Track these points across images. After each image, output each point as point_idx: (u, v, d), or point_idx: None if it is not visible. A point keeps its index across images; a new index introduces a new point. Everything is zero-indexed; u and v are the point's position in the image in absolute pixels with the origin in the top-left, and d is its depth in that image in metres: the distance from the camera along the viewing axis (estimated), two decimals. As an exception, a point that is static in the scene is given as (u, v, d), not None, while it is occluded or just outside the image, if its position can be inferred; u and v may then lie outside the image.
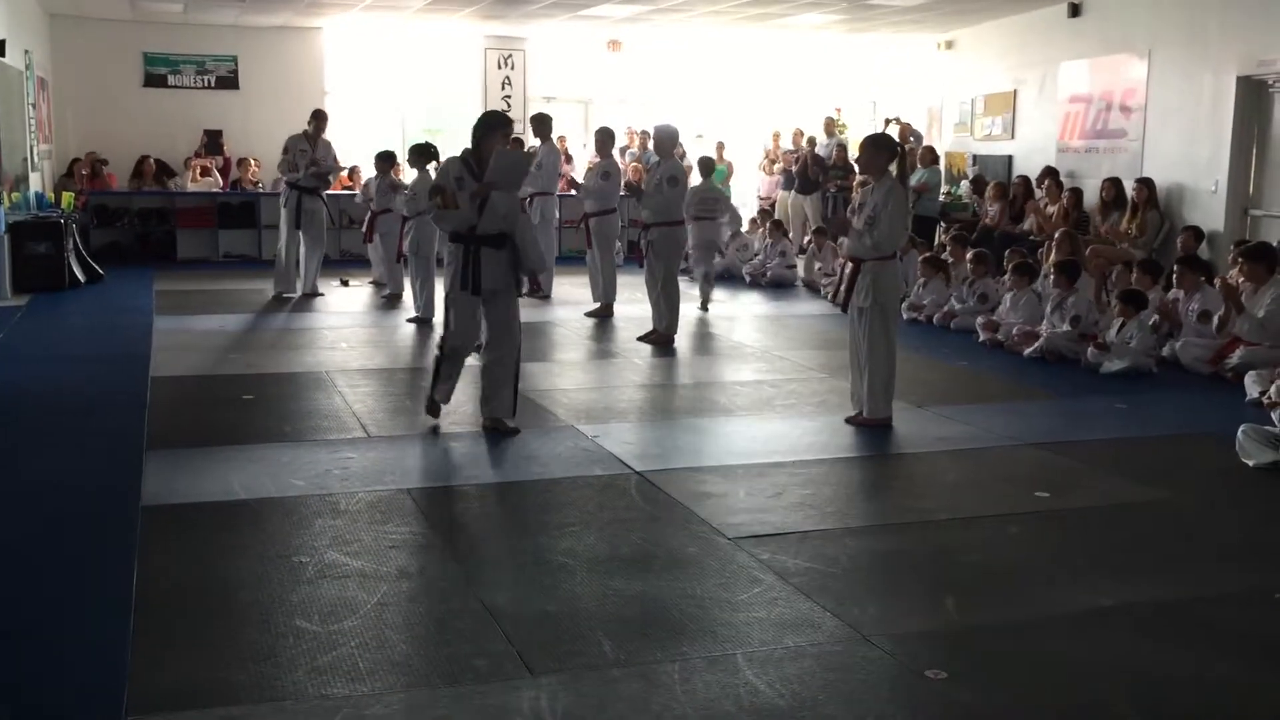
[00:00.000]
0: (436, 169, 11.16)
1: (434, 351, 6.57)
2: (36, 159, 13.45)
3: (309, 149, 11.39)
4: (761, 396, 7.52)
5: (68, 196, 13.28)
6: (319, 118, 11.64)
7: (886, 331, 6.63)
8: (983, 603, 4.18)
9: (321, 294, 11.67)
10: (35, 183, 13.11)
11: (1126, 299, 8.56)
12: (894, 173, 6.56)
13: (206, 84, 16.04)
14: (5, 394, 7.30)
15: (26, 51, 12.92)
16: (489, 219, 6.20)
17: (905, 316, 10.74)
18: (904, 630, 3.89)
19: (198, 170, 15.48)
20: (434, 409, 6.55)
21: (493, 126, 6.35)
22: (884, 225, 6.43)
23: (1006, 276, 10.11)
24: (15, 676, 3.47)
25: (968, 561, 4.59)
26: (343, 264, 14.01)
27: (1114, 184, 11.79)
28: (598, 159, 11.25)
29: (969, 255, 10.74)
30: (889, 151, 6.63)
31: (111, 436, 6.21)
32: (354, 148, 14.70)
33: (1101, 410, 7.32)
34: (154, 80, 15.84)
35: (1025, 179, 13.30)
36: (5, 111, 11.58)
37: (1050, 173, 12.84)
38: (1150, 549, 4.82)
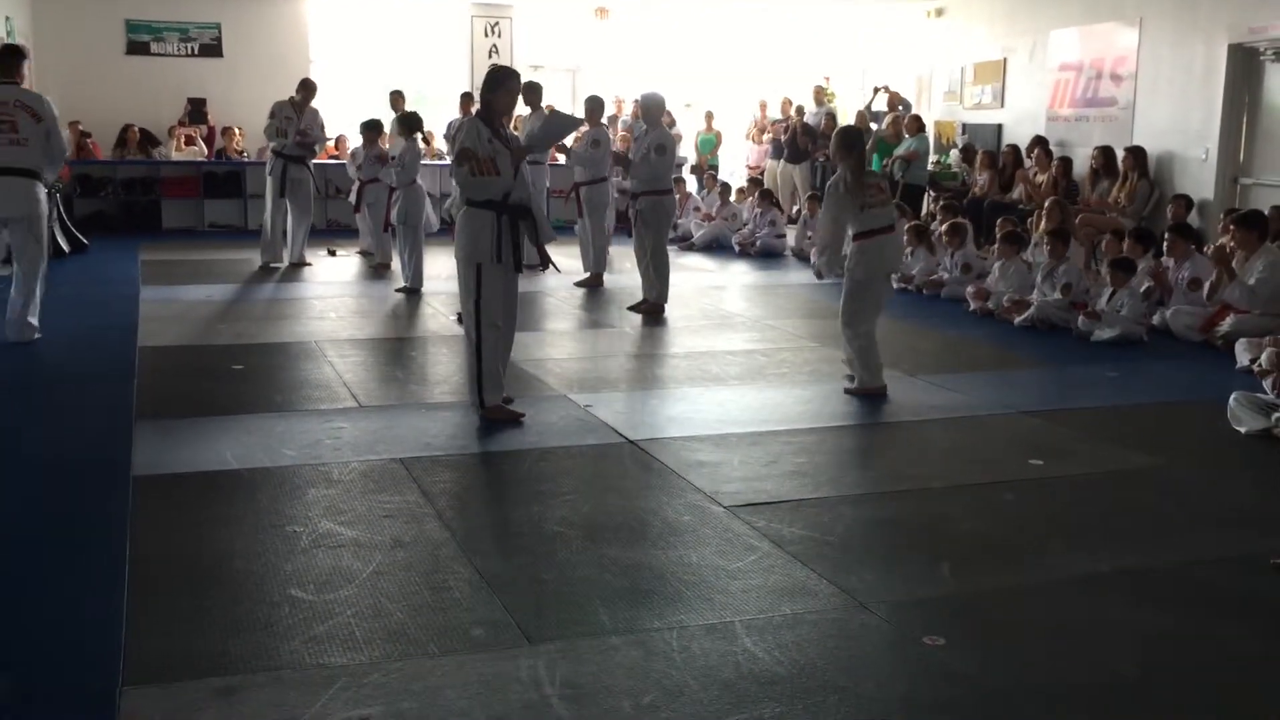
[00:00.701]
0: (425, 138, 11.13)
1: (470, 338, 5.90)
2: (18, 128, 13.26)
3: (294, 117, 11.28)
4: (753, 365, 7.50)
5: (51, 166, 13.12)
6: (306, 87, 11.52)
7: (847, 304, 6.64)
8: (979, 569, 4.18)
9: (309, 264, 11.59)
10: (17, 152, 12.93)
11: (1117, 267, 8.56)
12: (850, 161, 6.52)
13: (190, 51, 15.85)
14: (-9, 365, 7.23)
15: (7, 18, 12.75)
16: (520, 186, 5.83)
17: (895, 286, 10.74)
18: (901, 597, 3.89)
19: (182, 139, 15.33)
20: (506, 412, 5.96)
21: (500, 81, 5.88)
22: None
23: (995, 245, 10.11)
24: (11, 648, 3.45)
25: (963, 529, 4.59)
26: (330, 234, 13.91)
27: (1104, 152, 11.76)
28: (587, 127, 11.17)
29: (943, 226, 10.71)
30: (847, 144, 6.66)
31: (101, 407, 6.16)
32: (340, 117, 14.54)
33: (1093, 378, 7.33)
34: (136, 48, 15.64)
35: (1015, 148, 13.27)
36: (-14, 79, 11.40)
37: (1040, 141, 12.81)
38: (1145, 515, 4.83)
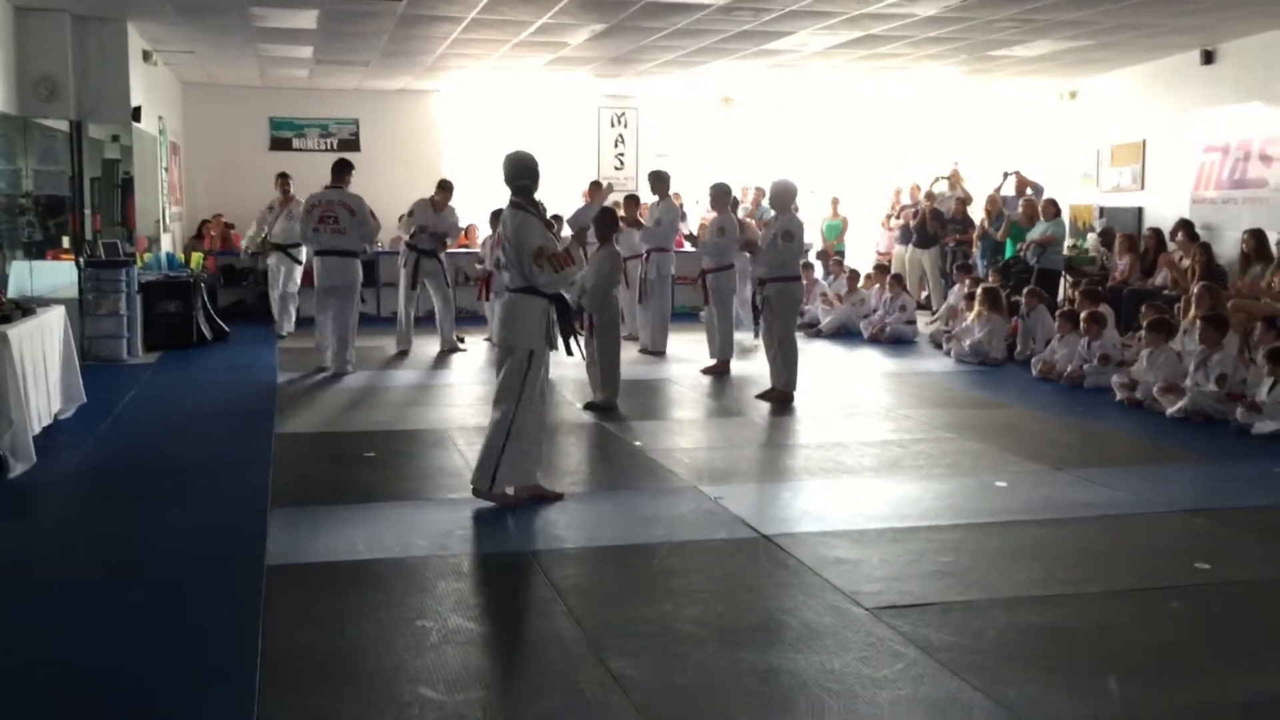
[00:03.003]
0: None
1: (504, 420, 5.81)
2: (168, 221, 13.89)
3: (431, 213, 11.64)
4: (889, 457, 7.25)
5: (196, 257, 13.68)
6: (444, 188, 11.89)
7: None
8: (1150, 684, 3.86)
9: (464, 349, 11.79)
10: (166, 243, 13.52)
11: (1276, 356, 8.08)
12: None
13: (329, 146, 16.43)
14: (134, 450, 7.41)
15: (160, 117, 13.40)
16: None
17: (1035, 373, 10.39)
18: (1065, 714, 3.61)
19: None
20: (508, 498, 5.92)
21: (534, 168, 5.97)
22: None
23: (1141, 334, 9.69)
24: (141, 742, 3.41)
25: (1128, 639, 4.26)
26: (459, 322, 14.10)
27: (1255, 236, 11.24)
28: (713, 214, 11.15)
29: (1083, 315, 10.27)
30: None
31: (237, 493, 6.23)
32: (470, 206, 14.83)
33: (1257, 475, 6.87)
34: (279, 144, 16.29)
35: (1157, 231, 12.80)
36: (140, 175, 11.99)
37: (1184, 225, 12.33)
38: (1330, 628, 4.43)
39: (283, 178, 13.23)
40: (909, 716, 3.57)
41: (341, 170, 10.46)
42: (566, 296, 6.12)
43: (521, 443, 5.89)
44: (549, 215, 9.81)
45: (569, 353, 6.19)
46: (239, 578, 4.81)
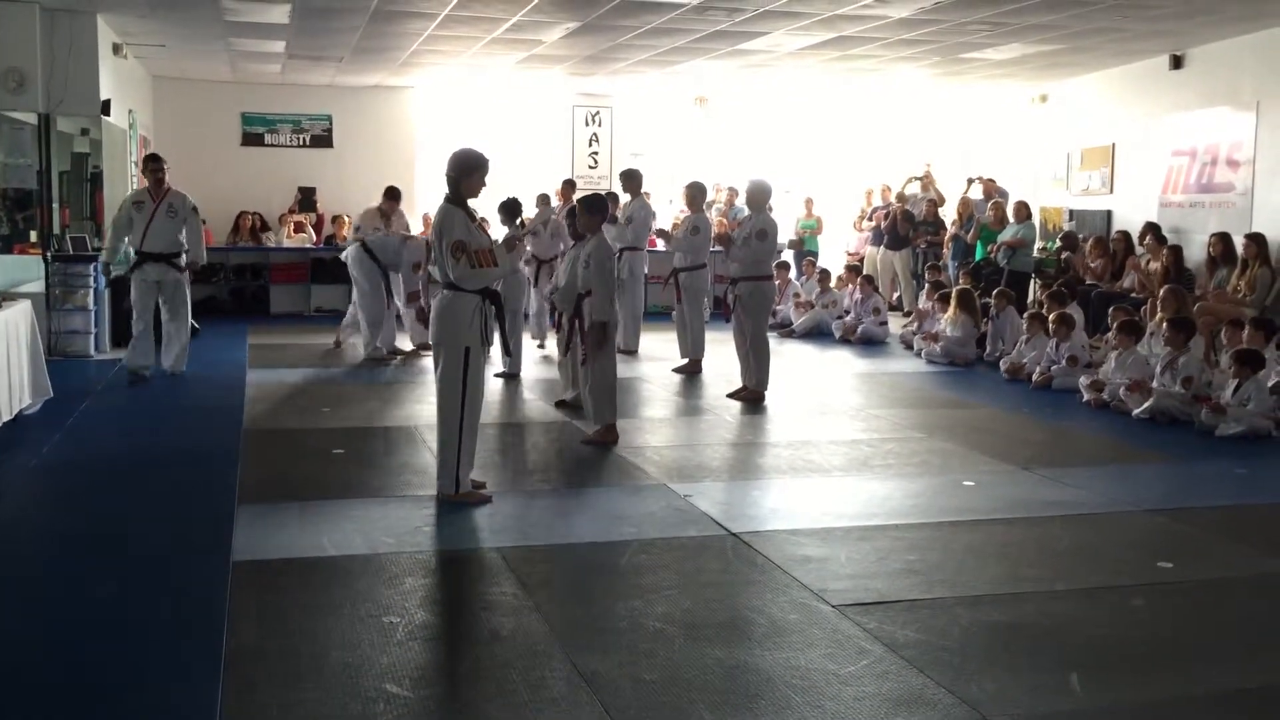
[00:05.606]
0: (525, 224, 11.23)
1: (452, 420, 5.82)
2: (138, 216, 13.74)
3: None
4: (858, 456, 7.28)
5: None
6: (392, 195, 11.59)
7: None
8: (1113, 681, 3.89)
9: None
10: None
11: (1243, 359, 8.17)
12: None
13: (302, 142, 16.37)
14: (100, 445, 7.36)
15: (130, 111, 13.29)
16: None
17: (1004, 374, 10.46)
18: (1028, 710, 3.63)
19: (292, 226, 15.74)
20: (478, 495, 5.95)
21: (475, 166, 5.99)
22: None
23: (1111, 335, 9.77)
24: (103, 737, 3.38)
25: (1091, 635, 4.30)
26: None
27: (1222, 239, 11.37)
28: (687, 213, 11.17)
29: (1052, 317, 10.35)
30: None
31: (204, 490, 6.19)
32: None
33: (1220, 475, 6.96)
34: (251, 139, 16.21)
35: (1125, 234, 12.92)
36: (109, 169, 11.89)
37: (1152, 228, 12.45)
38: (1289, 626, 4.49)
39: (153, 164, 9.73)
40: (873, 713, 3.59)
41: (391, 194, 11.55)
42: (499, 292, 6.04)
43: (472, 440, 5.92)
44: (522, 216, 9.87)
45: (505, 352, 6.19)
46: (205, 573, 4.78)
